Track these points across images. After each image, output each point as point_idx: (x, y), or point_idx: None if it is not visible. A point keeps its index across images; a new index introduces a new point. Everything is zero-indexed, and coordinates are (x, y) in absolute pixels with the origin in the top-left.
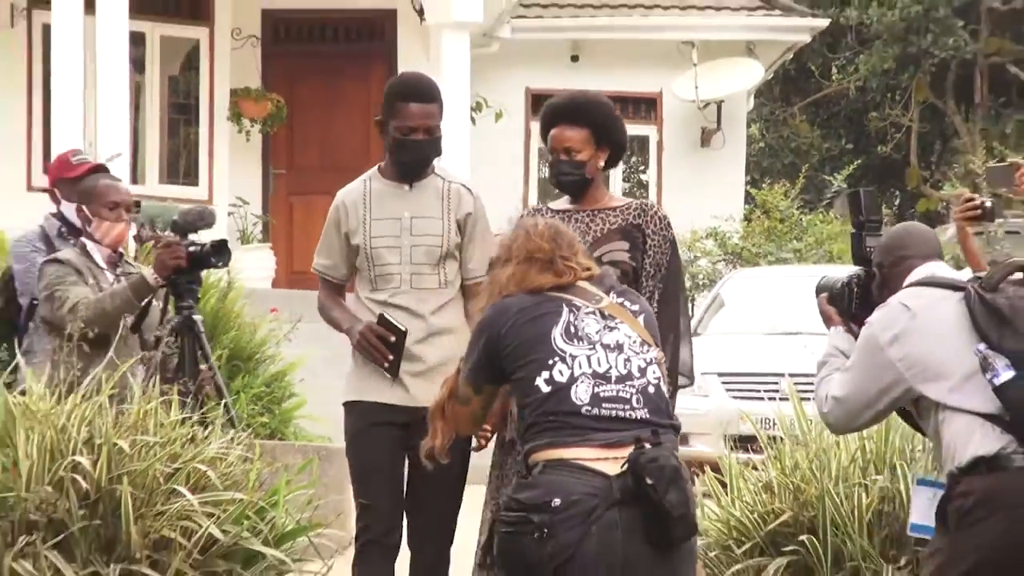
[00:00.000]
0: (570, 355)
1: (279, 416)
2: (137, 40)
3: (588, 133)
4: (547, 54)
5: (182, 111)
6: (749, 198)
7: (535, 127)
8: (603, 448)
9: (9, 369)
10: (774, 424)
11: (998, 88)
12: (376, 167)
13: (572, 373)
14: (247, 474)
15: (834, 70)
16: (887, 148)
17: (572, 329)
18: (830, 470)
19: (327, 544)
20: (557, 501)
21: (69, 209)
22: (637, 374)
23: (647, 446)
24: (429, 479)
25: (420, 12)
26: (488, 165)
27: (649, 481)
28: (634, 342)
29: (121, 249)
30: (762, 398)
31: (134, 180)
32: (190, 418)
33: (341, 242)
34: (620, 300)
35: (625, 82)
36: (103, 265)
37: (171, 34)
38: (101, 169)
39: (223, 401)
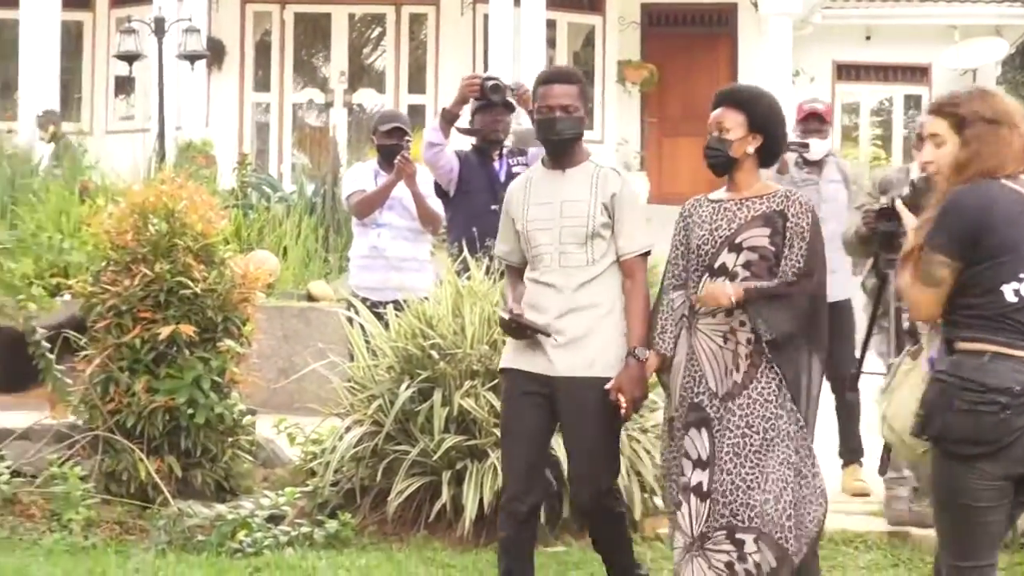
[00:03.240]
0: None
1: None
2: (550, 25)
3: (744, 118)
4: (847, 34)
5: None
6: None
7: (839, 88)
8: None
9: None
10: None
11: None
12: (541, 159)
13: None
14: None
15: None
16: None
17: None
18: None
19: None
20: (1018, 387)
21: None
22: None
23: None
24: (580, 443)
25: (755, 4)
26: None
27: None
28: None
29: None
30: None
31: None
32: None
33: (512, 228)
34: None
35: (905, 55)
36: None
37: (575, 21)
38: None
39: None
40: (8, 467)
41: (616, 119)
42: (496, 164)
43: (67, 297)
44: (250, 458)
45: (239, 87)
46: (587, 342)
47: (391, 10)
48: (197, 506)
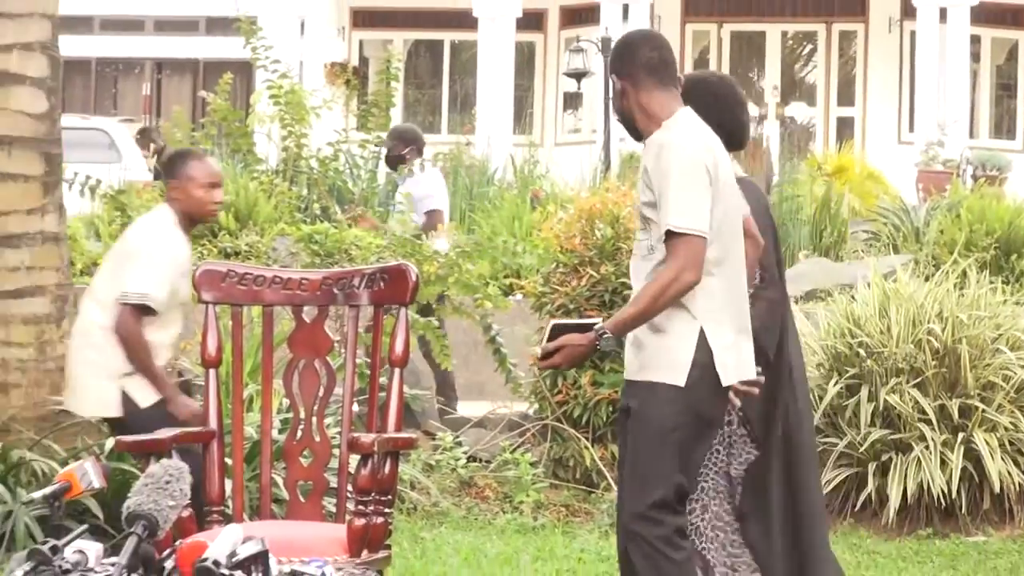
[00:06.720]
0: None
1: None
2: (974, 41)
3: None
4: None
5: (1005, 89)
6: None
7: None
8: None
9: None
10: None
11: None
12: None
13: None
14: None
15: None
16: None
17: None
18: None
19: None
20: None
21: None
22: None
23: None
24: (626, 453)
25: None
26: None
27: None
28: None
29: None
30: None
31: (970, 135)
32: (1008, 299)
33: None
34: None
35: None
36: None
37: (999, 36)
38: None
39: None
40: (465, 452)
41: None
42: None
43: (519, 297)
44: None
45: None
46: (645, 341)
47: (822, 28)
48: None
